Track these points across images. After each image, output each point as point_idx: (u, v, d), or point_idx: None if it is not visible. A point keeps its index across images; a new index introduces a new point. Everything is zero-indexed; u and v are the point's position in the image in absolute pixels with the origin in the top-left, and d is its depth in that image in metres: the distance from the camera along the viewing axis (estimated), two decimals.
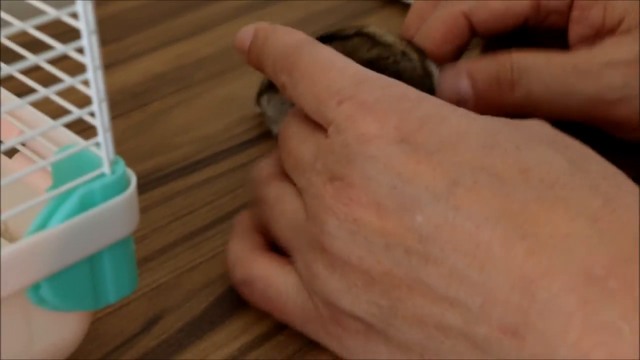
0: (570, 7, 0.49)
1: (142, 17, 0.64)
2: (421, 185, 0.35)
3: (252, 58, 0.43)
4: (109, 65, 0.59)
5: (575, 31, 0.49)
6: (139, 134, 0.53)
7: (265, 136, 0.53)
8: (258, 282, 0.40)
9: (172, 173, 0.51)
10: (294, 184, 0.40)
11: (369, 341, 0.38)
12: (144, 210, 0.48)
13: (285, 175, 0.41)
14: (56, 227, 0.33)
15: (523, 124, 0.37)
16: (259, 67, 0.43)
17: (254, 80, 0.58)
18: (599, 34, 0.48)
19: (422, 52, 0.49)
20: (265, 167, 0.43)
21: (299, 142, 0.40)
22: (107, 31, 0.62)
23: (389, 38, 0.49)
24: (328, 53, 0.40)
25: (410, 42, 0.50)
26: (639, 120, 0.48)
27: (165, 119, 0.55)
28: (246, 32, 0.44)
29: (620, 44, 0.47)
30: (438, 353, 0.36)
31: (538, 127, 0.37)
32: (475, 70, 0.49)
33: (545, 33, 0.51)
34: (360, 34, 0.49)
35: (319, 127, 0.39)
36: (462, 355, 0.35)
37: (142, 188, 0.49)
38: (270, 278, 0.40)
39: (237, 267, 0.41)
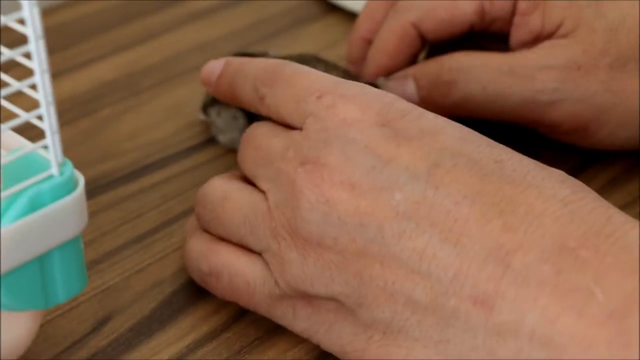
0: (513, 13, 0.50)
1: (89, 26, 0.65)
2: (401, 165, 0.37)
3: (222, 84, 0.44)
4: (56, 74, 0.59)
5: (516, 36, 0.50)
6: (87, 140, 0.54)
7: (211, 141, 0.54)
8: (224, 272, 0.41)
9: (120, 178, 0.51)
10: (246, 182, 0.42)
11: (337, 320, 0.39)
12: (92, 215, 0.49)
13: (231, 177, 0.42)
14: (6, 228, 0.34)
15: None
16: (229, 93, 0.44)
17: (200, 88, 0.59)
18: (539, 38, 0.50)
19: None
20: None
21: (269, 137, 0.41)
22: (55, 40, 0.63)
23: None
24: (309, 67, 0.41)
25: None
26: (570, 124, 0.49)
27: (113, 126, 0.55)
28: (214, 64, 0.45)
29: (555, 48, 0.49)
30: (401, 329, 0.37)
31: None
32: (418, 73, 0.51)
33: (492, 36, 0.53)
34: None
35: (292, 128, 0.40)
36: (425, 330, 0.37)
37: (90, 193, 0.50)
38: (235, 267, 0.41)
39: (202, 259, 0.42)
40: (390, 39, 0.52)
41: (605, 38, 0.48)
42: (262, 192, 0.40)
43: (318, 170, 0.38)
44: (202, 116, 0.54)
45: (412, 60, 0.52)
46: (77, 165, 0.52)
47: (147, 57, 0.62)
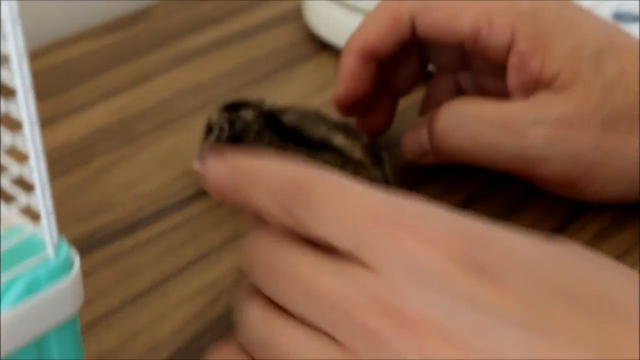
0: (508, 50, 0.50)
1: (83, 68, 0.65)
2: (505, 315, 0.33)
3: (231, 194, 0.38)
4: (50, 120, 0.59)
5: (514, 78, 0.50)
6: (81, 193, 0.54)
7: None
8: None
9: (115, 233, 0.51)
10: (283, 312, 0.37)
11: None
12: (87, 273, 0.48)
13: (270, 314, 0.37)
14: (5, 313, 0.33)
15: (566, 249, 0.36)
16: (242, 203, 0.38)
17: (196, 132, 0.58)
18: (537, 84, 0.49)
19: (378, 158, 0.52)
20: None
21: (316, 272, 0.35)
22: (48, 83, 0.62)
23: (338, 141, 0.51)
24: (338, 176, 0.37)
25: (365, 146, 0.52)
26: (558, 179, 0.49)
27: (107, 176, 0.55)
28: (211, 163, 0.39)
29: (549, 102, 0.48)
30: None
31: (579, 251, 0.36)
32: (427, 122, 0.51)
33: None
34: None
35: (334, 254, 0.36)
36: None
37: (84, 250, 0.50)
38: None
39: None
40: (382, 16, 0.52)
41: (600, 95, 0.47)
42: (328, 336, 0.35)
43: (414, 328, 0.33)
44: (198, 165, 0.54)
45: (396, 50, 0.52)
46: (70, 220, 0.52)
47: (140, 101, 0.62)
